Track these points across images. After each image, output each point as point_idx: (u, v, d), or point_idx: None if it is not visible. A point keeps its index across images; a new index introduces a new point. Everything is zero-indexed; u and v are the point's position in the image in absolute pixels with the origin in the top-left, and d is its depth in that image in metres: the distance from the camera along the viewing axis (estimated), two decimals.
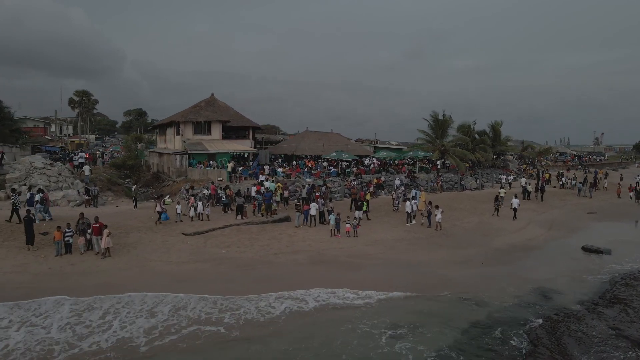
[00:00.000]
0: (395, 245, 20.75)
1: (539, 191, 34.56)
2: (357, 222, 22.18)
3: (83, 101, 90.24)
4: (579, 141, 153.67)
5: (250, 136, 43.76)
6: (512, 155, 59.48)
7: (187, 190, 28.41)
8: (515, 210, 27.32)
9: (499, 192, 32.10)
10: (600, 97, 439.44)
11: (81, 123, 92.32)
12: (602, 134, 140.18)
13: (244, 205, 24.15)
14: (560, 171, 51.98)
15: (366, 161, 42.25)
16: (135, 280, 14.90)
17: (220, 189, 28.14)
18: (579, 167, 65.56)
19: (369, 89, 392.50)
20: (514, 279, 16.72)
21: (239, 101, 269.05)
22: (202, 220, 23.01)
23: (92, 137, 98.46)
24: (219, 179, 31.45)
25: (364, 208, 25.00)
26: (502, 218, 27.21)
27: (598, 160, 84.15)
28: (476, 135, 50.34)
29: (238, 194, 25.22)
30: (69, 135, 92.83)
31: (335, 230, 21.55)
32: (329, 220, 22.12)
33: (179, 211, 22.77)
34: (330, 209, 23.45)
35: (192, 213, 22.93)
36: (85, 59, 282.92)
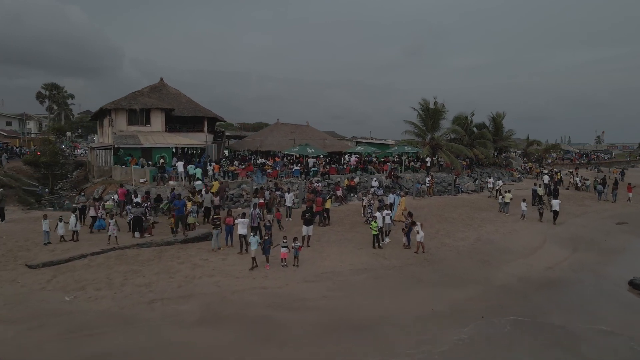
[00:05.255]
0: (351, 281, 13.79)
1: (551, 195, 27.56)
2: (298, 244, 15.01)
3: (53, 95, 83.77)
4: (580, 139, 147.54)
5: (205, 129, 36.62)
6: (515, 152, 52.50)
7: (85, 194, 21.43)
8: (556, 213, 22.53)
9: (504, 197, 25.29)
10: (601, 95, 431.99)
11: (64, 120, 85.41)
12: (603, 132, 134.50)
13: (144, 217, 17.09)
14: (568, 170, 45.03)
15: (348, 158, 35.31)
16: None
17: (133, 193, 21.16)
18: (589, 165, 58.63)
19: (369, 86, 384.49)
20: (535, 348, 9.84)
21: (239, 100, 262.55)
22: (76, 240, 15.98)
23: (68, 134, 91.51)
24: (141, 180, 24.45)
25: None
26: (510, 233, 20.35)
27: (606, 158, 77.61)
28: (474, 129, 43.29)
29: (140, 202, 18.26)
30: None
31: (259, 258, 14.48)
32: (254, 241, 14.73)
33: (45, 228, 15.73)
34: (268, 223, 16.44)
35: (60, 231, 15.84)
36: (84, 58, 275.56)
